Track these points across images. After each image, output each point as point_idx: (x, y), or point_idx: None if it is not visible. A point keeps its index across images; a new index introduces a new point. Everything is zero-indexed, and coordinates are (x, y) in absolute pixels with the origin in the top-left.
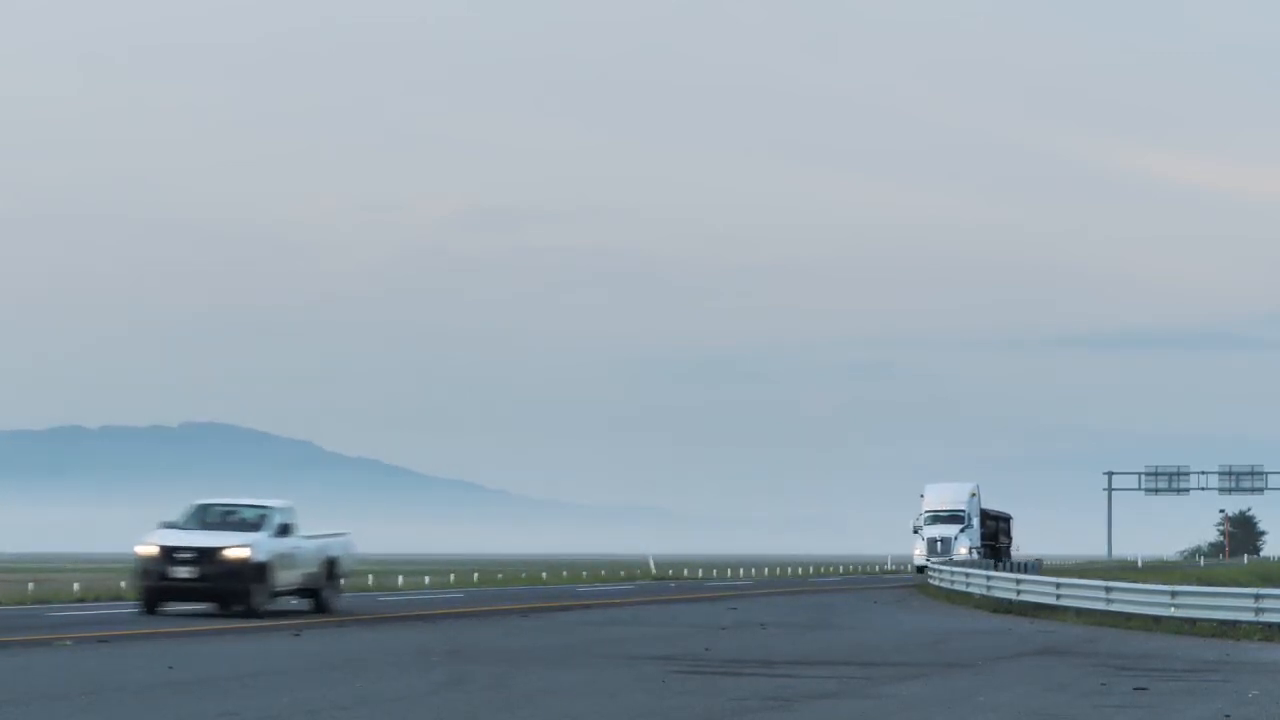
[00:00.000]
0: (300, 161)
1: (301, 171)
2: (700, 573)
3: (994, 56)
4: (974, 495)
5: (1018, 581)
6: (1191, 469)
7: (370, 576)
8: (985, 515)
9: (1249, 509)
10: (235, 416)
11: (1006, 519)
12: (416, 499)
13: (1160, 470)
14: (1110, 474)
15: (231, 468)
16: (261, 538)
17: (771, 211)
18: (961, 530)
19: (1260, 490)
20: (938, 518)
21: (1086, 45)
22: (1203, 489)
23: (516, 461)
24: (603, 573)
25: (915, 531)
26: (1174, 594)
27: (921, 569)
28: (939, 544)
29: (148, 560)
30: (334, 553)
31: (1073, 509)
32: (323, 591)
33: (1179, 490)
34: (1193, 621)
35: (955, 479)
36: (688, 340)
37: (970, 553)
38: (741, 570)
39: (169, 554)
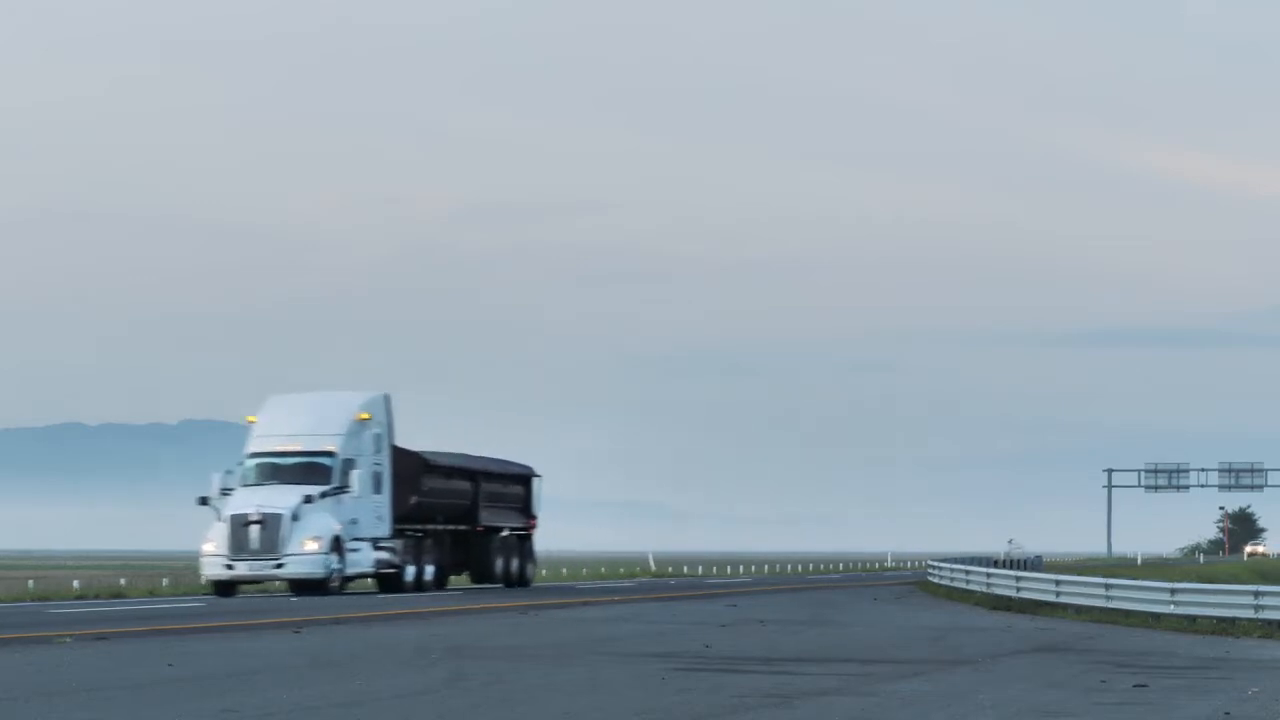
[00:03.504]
0: (300, 161)
1: (301, 171)
2: (700, 570)
3: (995, 56)
4: (367, 419)
5: (1017, 579)
6: (1191, 466)
7: None
8: (424, 466)
9: (1248, 506)
10: (235, 415)
11: (522, 478)
12: None
13: (1160, 467)
14: (1110, 471)
15: (231, 466)
16: None
17: (771, 210)
18: (317, 498)
19: (1260, 487)
20: (276, 469)
21: (1087, 45)
22: (1202, 486)
23: (515, 459)
24: (603, 570)
25: (204, 502)
26: (1174, 591)
27: (225, 588)
28: (255, 528)
29: None
30: None
31: (1073, 506)
32: None
33: (1179, 487)
34: (1192, 619)
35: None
36: (688, 339)
37: (336, 554)
38: (741, 567)
39: None
